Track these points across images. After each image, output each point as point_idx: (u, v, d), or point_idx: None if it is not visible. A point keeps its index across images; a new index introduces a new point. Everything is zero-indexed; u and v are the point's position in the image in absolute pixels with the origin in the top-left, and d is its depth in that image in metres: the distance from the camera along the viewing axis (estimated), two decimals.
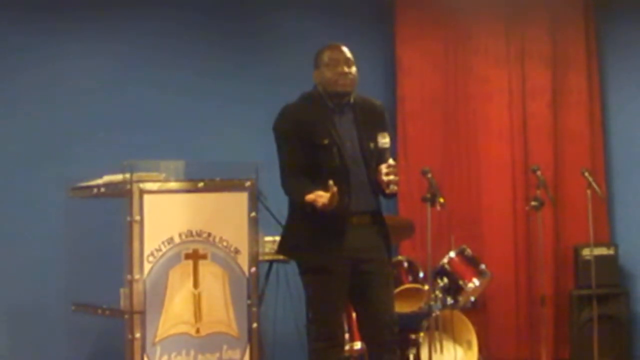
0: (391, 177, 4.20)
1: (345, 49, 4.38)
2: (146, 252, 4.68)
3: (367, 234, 4.33)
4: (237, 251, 4.90)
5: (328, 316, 4.32)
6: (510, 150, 6.90)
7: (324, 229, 4.22)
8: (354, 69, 4.36)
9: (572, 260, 6.72)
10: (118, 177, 4.81)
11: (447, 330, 6.08)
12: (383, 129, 4.38)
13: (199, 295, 4.80)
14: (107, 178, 4.99)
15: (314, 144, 4.27)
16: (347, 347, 5.48)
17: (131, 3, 6.27)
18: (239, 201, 4.93)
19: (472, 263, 6.16)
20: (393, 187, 4.22)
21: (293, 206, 4.39)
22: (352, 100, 4.38)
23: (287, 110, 4.40)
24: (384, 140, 4.32)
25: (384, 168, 4.21)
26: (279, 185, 4.35)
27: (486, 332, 6.57)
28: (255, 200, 4.95)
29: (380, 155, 4.30)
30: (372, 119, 4.40)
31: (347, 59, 4.35)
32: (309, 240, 4.30)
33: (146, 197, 4.70)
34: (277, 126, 4.39)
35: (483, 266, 6.16)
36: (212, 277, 4.84)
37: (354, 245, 4.27)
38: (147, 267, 4.68)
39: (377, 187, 4.30)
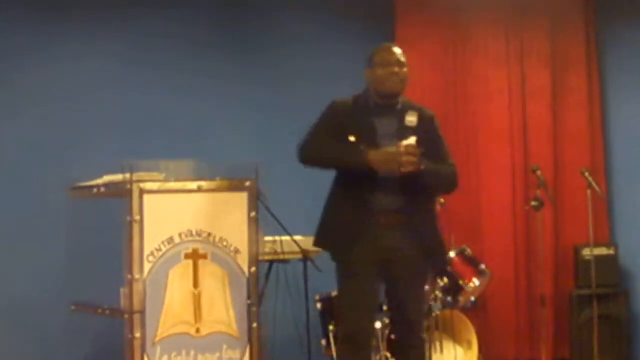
0: (407, 158, 4.19)
1: (397, 50, 4.45)
2: (146, 251, 4.68)
3: (396, 234, 4.34)
4: (237, 251, 4.89)
5: (351, 319, 4.34)
6: (510, 151, 6.91)
7: (352, 230, 4.28)
8: (405, 70, 4.40)
9: (572, 260, 6.72)
10: (118, 177, 4.80)
11: (448, 330, 6.08)
12: (422, 132, 4.32)
13: (199, 295, 4.79)
14: (107, 178, 4.98)
15: (342, 138, 4.31)
16: None
17: (131, 4, 6.27)
18: (239, 201, 4.92)
19: (472, 263, 6.16)
20: (408, 168, 4.20)
21: (330, 196, 4.43)
22: (400, 105, 4.41)
23: (333, 102, 4.46)
24: (410, 119, 4.33)
25: (402, 147, 4.20)
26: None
27: (486, 332, 6.56)
28: (256, 200, 4.94)
29: (403, 134, 4.28)
30: (418, 123, 4.37)
31: (399, 60, 4.40)
32: (338, 245, 4.36)
33: (146, 197, 4.69)
34: (323, 112, 4.44)
35: (483, 266, 6.15)
36: (212, 277, 4.83)
37: (383, 246, 4.29)
38: (147, 266, 4.68)
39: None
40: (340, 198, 4.41)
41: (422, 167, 4.23)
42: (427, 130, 4.40)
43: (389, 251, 4.31)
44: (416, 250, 4.37)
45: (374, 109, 4.40)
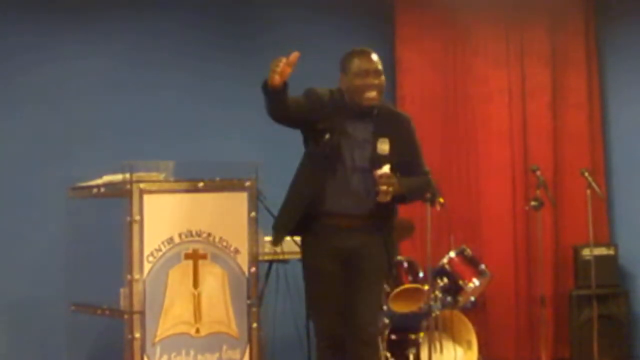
0: (383, 188, 4.19)
1: (375, 58, 4.31)
2: (146, 252, 4.68)
3: (356, 236, 4.32)
4: (236, 251, 4.89)
5: (322, 316, 4.37)
6: (510, 151, 6.91)
7: (312, 227, 4.34)
8: (382, 78, 4.31)
9: (572, 260, 6.73)
10: (118, 177, 4.81)
11: (447, 330, 6.08)
12: (398, 137, 4.31)
13: (199, 295, 4.80)
14: (106, 178, 4.99)
15: (312, 122, 4.26)
16: None
17: (131, 4, 6.27)
18: (238, 201, 4.92)
19: (472, 263, 6.16)
20: (383, 197, 4.22)
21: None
22: (376, 110, 4.33)
23: (311, 89, 4.36)
24: (382, 147, 4.27)
25: (377, 176, 4.20)
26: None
27: (486, 332, 6.57)
28: (255, 200, 4.94)
29: (379, 162, 4.25)
30: (391, 129, 4.33)
31: (376, 70, 4.29)
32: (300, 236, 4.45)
33: (146, 197, 4.69)
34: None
35: (483, 266, 6.15)
36: (212, 277, 4.83)
37: (342, 245, 4.30)
38: (147, 267, 4.68)
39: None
40: (303, 188, 4.37)
41: (404, 191, 4.28)
42: (403, 136, 4.36)
43: (347, 252, 4.30)
44: (373, 255, 4.36)
45: (349, 113, 4.31)
